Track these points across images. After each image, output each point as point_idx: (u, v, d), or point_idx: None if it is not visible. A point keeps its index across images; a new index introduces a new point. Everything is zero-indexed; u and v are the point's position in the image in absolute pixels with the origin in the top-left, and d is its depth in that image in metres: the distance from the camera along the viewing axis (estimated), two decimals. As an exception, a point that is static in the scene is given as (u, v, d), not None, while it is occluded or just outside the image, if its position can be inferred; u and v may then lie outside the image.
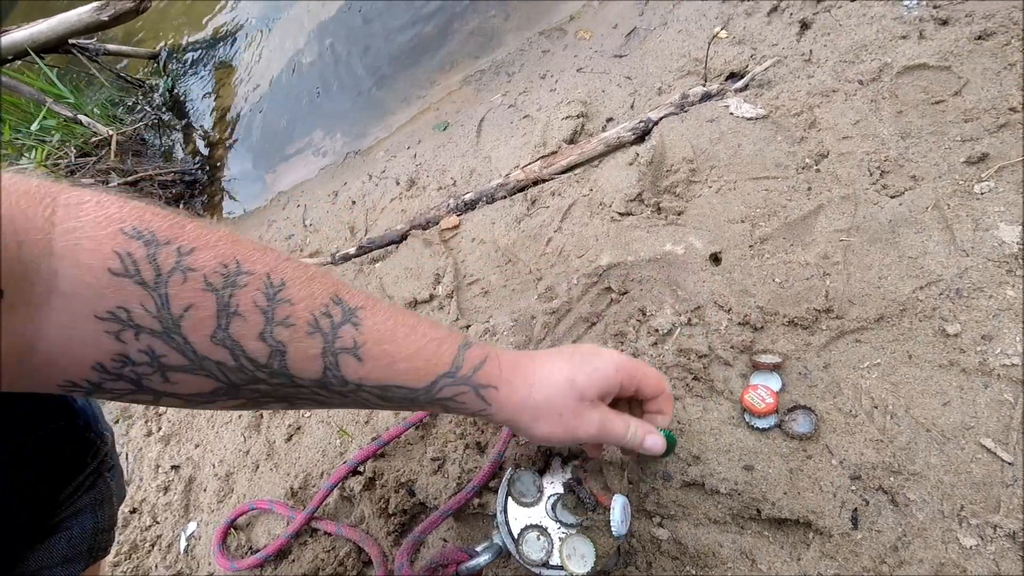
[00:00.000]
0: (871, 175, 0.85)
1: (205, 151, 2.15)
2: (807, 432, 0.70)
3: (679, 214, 0.99)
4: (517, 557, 0.68)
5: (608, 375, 0.54)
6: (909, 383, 0.70)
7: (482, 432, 0.91)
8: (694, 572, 0.68)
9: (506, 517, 0.71)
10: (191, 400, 0.42)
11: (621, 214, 1.05)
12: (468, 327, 1.05)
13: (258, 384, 0.42)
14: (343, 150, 1.75)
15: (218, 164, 2.08)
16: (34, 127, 2.04)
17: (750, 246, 0.88)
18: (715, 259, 0.91)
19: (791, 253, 0.85)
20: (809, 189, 0.89)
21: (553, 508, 0.70)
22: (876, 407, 0.69)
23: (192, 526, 1.17)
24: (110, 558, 1.22)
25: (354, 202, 1.54)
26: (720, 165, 1.00)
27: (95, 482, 0.61)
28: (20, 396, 0.51)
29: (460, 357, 0.50)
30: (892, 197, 0.82)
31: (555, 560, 0.68)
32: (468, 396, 0.51)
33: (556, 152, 1.24)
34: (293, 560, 0.98)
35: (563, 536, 0.68)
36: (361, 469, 0.98)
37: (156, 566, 1.16)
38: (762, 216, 0.90)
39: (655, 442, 0.59)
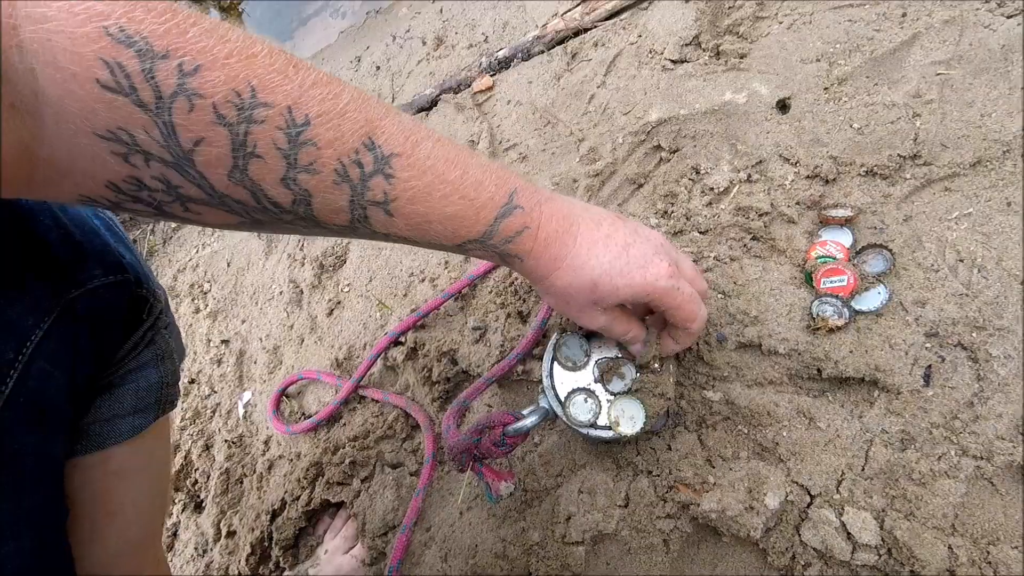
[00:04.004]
0: (984, -8, 0.71)
1: (218, 17, 2.01)
2: (883, 271, 0.64)
3: (742, 57, 0.87)
4: (564, 419, 0.67)
5: (638, 294, 0.52)
6: (1004, 233, 0.62)
7: (523, 301, 0.89)
8: (746, 431, 0.66)
9: (552, 381, 0.69)
10: (219, 228, 0.40)
11: (674, 62, 0.94)
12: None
13: (283, 224, 0.40)
14: (362, 10, 1.60)
15: (233, 34, 1.95)
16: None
17: (825, 88, 0.77)
18: (782, 106, 0.81)
19: (875, 94, 0.74)
20: (903, 15, 0.75)
21: (602, 375, 0.68)
22: (962, 260, 0.63)
23: (247, 395, 1.22)
24: (176, 422, 1.30)
25: (378, 67, 1.43)
26: (794, -5, 0.86)
27: (154, 338, 0.62)
28: (71, 253, 0.50)
29: (495, 227, 0.47)
30: (1009, 17, 0.69)
31: (602, 421, 0.67)
32: (494, 259, 0.51)
33: (599, -6, 1.09)
34: (344, 424, 1.01)
35: (610, 399, 0.67)
36: (402, 339, 0.99)
37: (219, 430, 1.23)
38: (842, 52, 0.78)
39: (638, 351, 0.62)
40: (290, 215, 0.39)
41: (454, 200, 0.43)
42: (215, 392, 1.31)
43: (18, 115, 0.30)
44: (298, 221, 0.40)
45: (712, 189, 0.80)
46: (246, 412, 1.21)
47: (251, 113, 0.34)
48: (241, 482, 1.13)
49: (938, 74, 0.70)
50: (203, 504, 1.19)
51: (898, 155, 0.69)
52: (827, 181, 0.73)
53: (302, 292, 1.24)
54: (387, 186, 0.40)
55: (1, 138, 0.30)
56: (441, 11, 1.39)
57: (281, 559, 0.97)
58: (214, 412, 1.28)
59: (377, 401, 1.00)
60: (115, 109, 0.31)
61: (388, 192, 0.40)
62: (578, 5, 1.11)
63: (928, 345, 0.61)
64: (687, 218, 0.80)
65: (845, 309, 0.64)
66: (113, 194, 0.35)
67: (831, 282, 0.64)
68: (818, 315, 0.64)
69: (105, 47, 0.30)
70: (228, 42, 0.33)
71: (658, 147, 0.89)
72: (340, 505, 0.97)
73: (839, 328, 0.63)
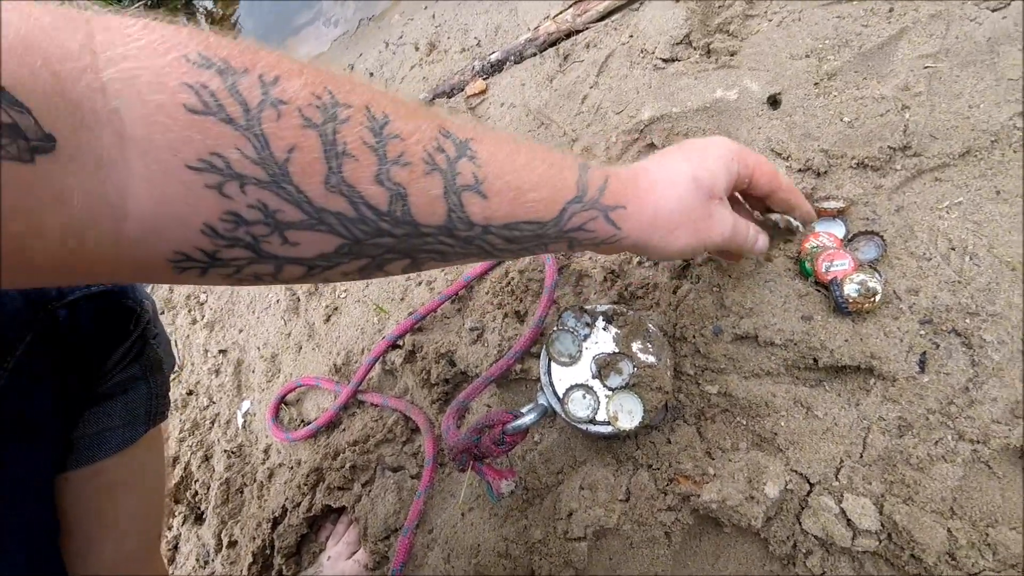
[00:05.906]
0: (968, -14, 0.72)
1: (208, 29, 2.02)
2: (875, 257, 0.65)
3: (732, 55, 0.88)
4: (563, 415, 0.67)
5: (729, 164, 0.51)
6: (995, 221, 0.63)
7: (520, 301, 0.89)
8: (745, 422, 0.66)
9: (550, 378, 0.70)
10: (315, 265, 0.38)
11: (665, 60, 0.95)
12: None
13: (382, 237, 0.38)
14: (355, 17, 1.61)
15: (226, 45, 1.95)
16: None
17: (815, 84, 0.78)
18: (773, 102, 0.82)
19: (864, 88, 0.75)
20: (891, 11, 0.76)
21: (600, 370, 0.68)
22: (954, 248, 0.63)
23: (246, 404, 1.22)
24: (175, 433, 1.30)
25: (371, 74, 1.44)
26: (782, -7, 0.87)
27: (142, 349, 0.61)
28: None
29: (583, 179, 0.45)
30: (994, 11, 0.70)
31: (601, 416, 0.67)
32: (598, 222, 0.46)
33: (589, -3, 1.11)
34: (344, 429, 1.01)
35: (608, 394, 0.67)
36: (400, 343, 0.99)
37: (219, 440, 1.23)
38: (831, 48, 0.79)
39: (765, 243, 0.59)
40: (388, 220, 0.37)
41: (537, 164, 0.43)
42: (213, 403, 1.30)
43: (104, 169, 0.29)
44: (396, 229, 0.38)
45: (705, 185, 0.81)
46: (245, 421, 1.21)
47: (335, 112, 0.34)
48: (241, 491, 1.13)
49: (926, 67, 0.71)
50: (204, 515, 1.18)
51: (888, 147, 0.70)
52: (819, 174, 0.73)
53: (299, 300, 1.25)
54: (474, 167, 0.40)
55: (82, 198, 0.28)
56: (433, 16, 1.41)
57: (284, 567, 0.97)
58: (213, 422, 1.27)
59: (376, 405, 1.00)
60: (205, 131, 0.30)
61: (476, 173, 0.40)
62: (570, 7, 1.12)
63: (922, 332, 0.61)
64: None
65: (877, 274, 0.62)
66: (209, 241, 0.33)
67: (834, 266, 0.65)
68: (865, 292, 0.62)
69: (187, 72, 0.30)
70: (295, 60, 0.35)
71: (651, 145, 0.90)
72: (342, 510, 0.97)
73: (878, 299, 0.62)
